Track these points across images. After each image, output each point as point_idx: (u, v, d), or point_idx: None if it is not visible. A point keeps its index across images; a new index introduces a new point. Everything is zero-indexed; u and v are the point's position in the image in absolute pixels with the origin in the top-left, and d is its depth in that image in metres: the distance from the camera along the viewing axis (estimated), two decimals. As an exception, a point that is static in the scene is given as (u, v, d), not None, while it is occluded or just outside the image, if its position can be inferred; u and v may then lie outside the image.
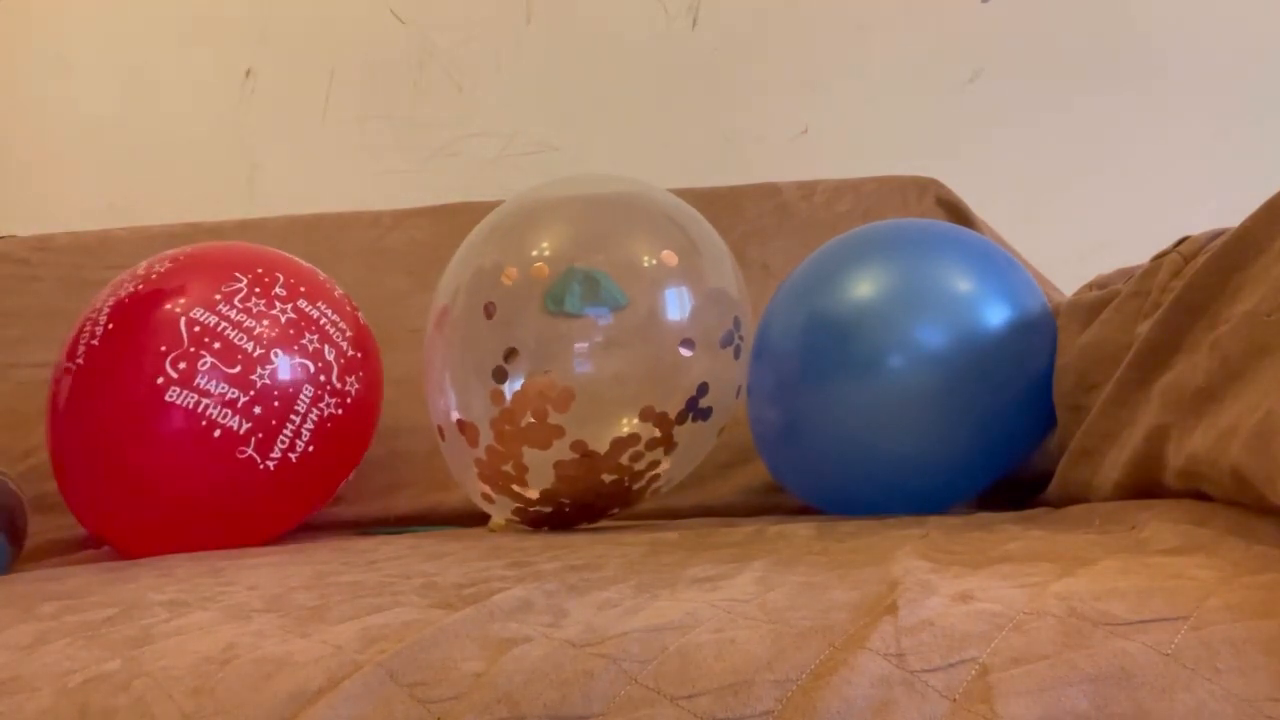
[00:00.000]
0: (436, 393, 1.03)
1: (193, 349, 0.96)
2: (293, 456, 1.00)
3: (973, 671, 0.45)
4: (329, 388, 1.03)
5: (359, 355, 1.07)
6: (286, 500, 1.05)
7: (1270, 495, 0.58)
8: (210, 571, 0.78)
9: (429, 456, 1.16)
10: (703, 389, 0.98)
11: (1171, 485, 0.74)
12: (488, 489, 1.01)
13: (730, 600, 0.53)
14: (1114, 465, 0.82)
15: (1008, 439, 0.97)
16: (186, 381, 0.96)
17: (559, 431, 0.95)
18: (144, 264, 1.06)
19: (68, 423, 1.00)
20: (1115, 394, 0.83)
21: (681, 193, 1.12)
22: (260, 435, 0.98)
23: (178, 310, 0.98)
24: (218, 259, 1.05)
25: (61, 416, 1.01)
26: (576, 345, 0.98)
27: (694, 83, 1.59)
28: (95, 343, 0.99)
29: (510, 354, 0.98)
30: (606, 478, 0.98)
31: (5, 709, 0.49)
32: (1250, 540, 0.59)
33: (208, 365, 0.96)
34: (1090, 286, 0.97)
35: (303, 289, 1.05)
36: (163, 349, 0.97)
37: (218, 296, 0.99)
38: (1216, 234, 0.78)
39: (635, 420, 0.97)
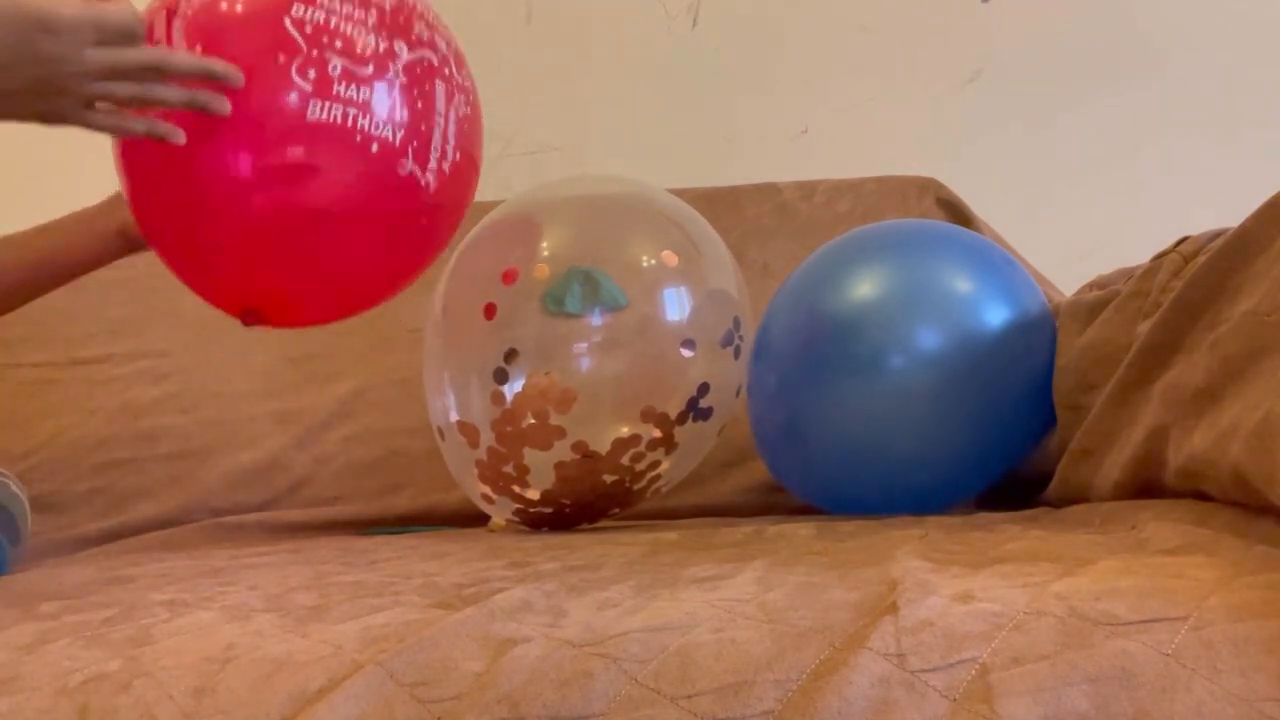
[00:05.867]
0: (435, 394, 1.03)
1: (314, 51, 0.76)
2: (445, 167, 0.82)
3: (973, 671, 0.45)
4: (454, 81, 0.84)
5: (459, 47, 0.87)
6: (441, 226, 0.87)
7: (1270, 495, 0.58)
8: (210, 571, 0.78)
9: (429, 456, 1.16)
10: (703, 389, 0.98)
11: (1171, 485, 0.74)
12: (488, 490, 1.00)
13: (730, 600, 0.53)
14: (1114, 465, 0.82)
15: (1007, 438, 0.97)
16: (324, 91, 0.76)
17: (560, 432, 0.95)
18: None
19: (173, 179, 0.79)
20: (1115, 394, 0.83)
21: (681, 193, 1.11)
22: (416, 144, 0.80)
23: (271, 9, 0.77)
24: None
25: (159, 174, 0.80)
26: (576, 345, 0.98)
27: (694, 83, 1.59)
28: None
29: (510, 355, 0.98)
30: (607, 478, 0.98)
31: (5, 709, 0.49)
32: (1250, 540, 0.59)
33: (339, 68, 0.76)
34: (1090, 286, 0.97)
35: None
36: (279, 59, 0.75)
37: None
38: (1216, 234, 0.78)
39: (636, 421, 0.97)
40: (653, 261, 1.00)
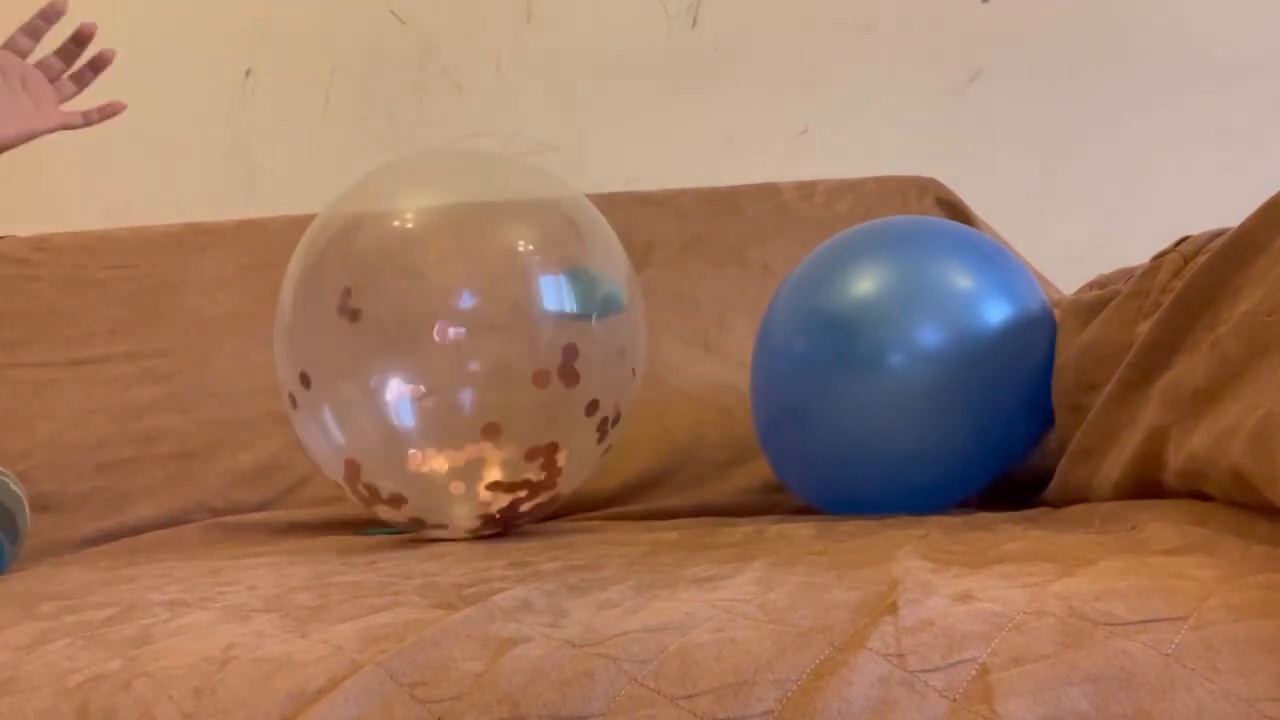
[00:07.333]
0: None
1: None
2: None
3: (973, 671, 0.45)
4: None
5: None
6: None
7: (1270, 495, 0.58)
8: (210, 571, 0.78)
9: (429, 456, 1.15)
10: None
11: (1171, 485, 0.74)
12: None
13: (730, 600, 0.53)
14: (1114, 465, 0.82)
15: (1007, 436, 0.97)
16: None
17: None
18: None
19: None
20: (1115, 394, 0.83)
21: (681, 193, 1.11)
22: None
23: None
24: None
25: None
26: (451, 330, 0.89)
27: (694, 83, 1.59)
28: None
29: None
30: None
31: (5, 709, 0.49)
32: (1250, 540, 0.59)
33: None
34: (1090, 286, 0.97)
35: None
36: None
37: None
38: (1217, 234, 0.77)
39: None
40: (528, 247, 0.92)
